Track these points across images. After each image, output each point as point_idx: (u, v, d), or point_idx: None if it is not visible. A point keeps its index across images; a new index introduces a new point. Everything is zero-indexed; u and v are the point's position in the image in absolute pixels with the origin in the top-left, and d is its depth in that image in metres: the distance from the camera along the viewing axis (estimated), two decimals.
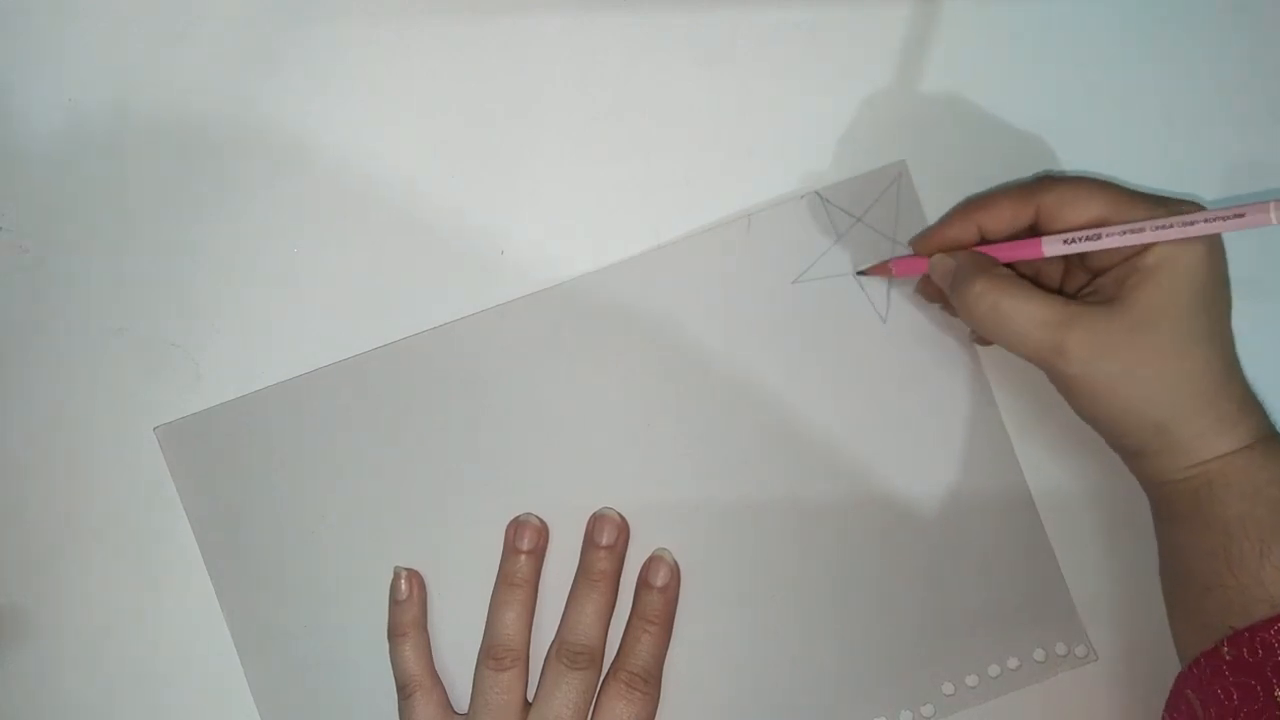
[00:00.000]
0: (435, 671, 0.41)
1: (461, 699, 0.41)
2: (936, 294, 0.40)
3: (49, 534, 0.43)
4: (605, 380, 0.42)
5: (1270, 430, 0.34)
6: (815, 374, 0.41)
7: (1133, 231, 0.33)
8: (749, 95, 0.42)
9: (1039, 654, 0.40)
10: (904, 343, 0.41)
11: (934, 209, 0.41)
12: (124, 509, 0.43)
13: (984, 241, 0.37)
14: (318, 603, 0.42)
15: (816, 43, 0.42)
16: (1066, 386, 0.35)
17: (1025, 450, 0.41)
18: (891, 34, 0.42)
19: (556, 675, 0.39)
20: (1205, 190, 0.41)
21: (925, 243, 0.39)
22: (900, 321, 0.41)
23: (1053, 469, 0.41)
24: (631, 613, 0.41)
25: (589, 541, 0.41)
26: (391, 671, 0.41)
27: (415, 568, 0.42)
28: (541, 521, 0.41)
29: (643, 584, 0.41)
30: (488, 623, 0.41)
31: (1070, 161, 0.41)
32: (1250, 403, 0.34)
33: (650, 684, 0.39)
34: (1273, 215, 0.31)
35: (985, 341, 0.40)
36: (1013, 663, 0.40)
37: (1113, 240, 0.34)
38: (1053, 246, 0.35)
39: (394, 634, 0.41)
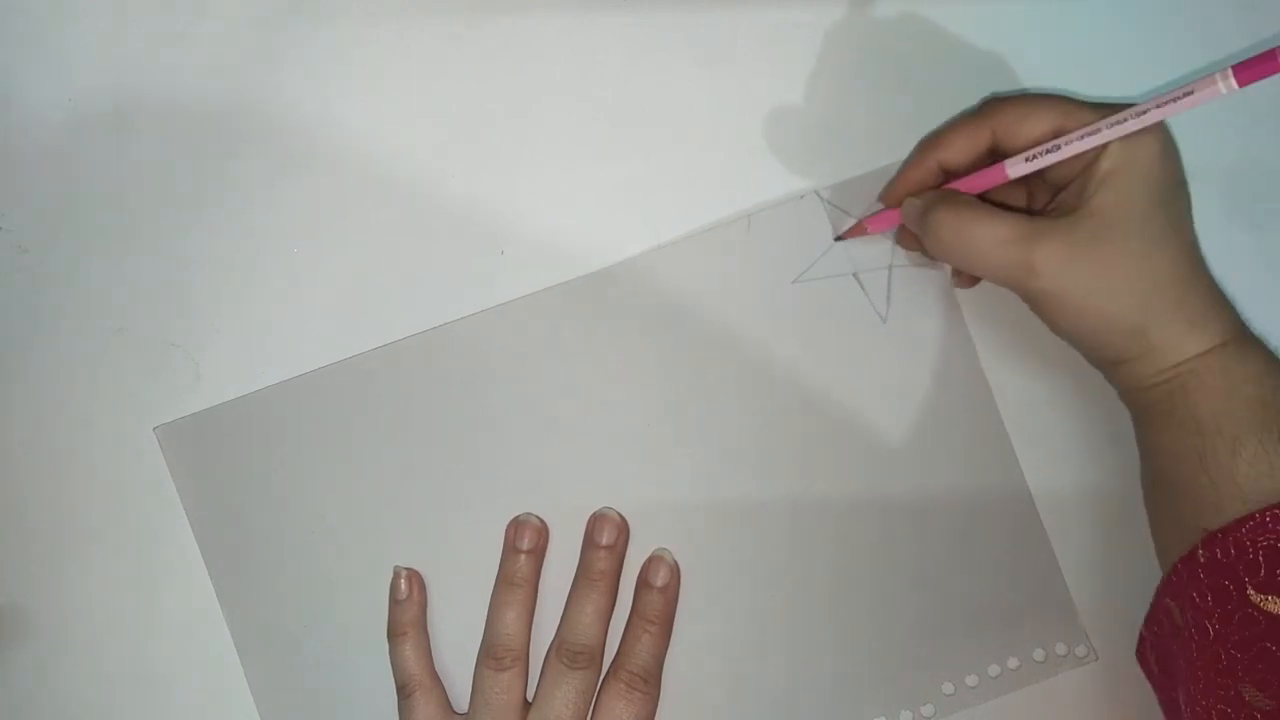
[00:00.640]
0: (435, 671, 0.41)
1: (461, 699, 0.41)
2: (914, 241, 0.40)
3: (49, 534, 0.43)
4: (605, 380, 0.42)
5: (1241, 328, 0.34)
6: (815, 374, 0.41)
7: (1090, 134, 0.33)
8: (749, 95, 0.42)
9: (1039, 654, 0.40)
10: (904, 343, 0.41)
11: None
12: (124, 509, 0.43)
13: (950, 178, 0.37)
14: (318, 603, 0.42)
15: (816, 43, 0.42)
16: (1041, 304, 0.34)
17: (1025, 450, 0.41)
18: (891, 34, 0.42)
19: (556, 675, 0.39)
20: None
21: (892, 193, 0.39)
22: (900, 321, 0.41)
23: (1053, 469, 0.41)
24: (631, 613, 0.41)
25: (589, 541, 0.41)
26: (391, 671, 0.41)
27: (415, 568, 0.42)
28: (541, 521, 0.41)
29: (643, 584, 0.41)
30: (488, 623, 0.41)
31: None
32: (1219, 301, 0.34)
33: (650, 684, 0.39)
34: (1220, 85, 0.31)
35: (967, 283, 0.40)
36: (1013, 663, 0.40)
37: (1073, 147, 0.33)
38: (1016, 167, 0.35)
39: (394, 634, 0.41)
